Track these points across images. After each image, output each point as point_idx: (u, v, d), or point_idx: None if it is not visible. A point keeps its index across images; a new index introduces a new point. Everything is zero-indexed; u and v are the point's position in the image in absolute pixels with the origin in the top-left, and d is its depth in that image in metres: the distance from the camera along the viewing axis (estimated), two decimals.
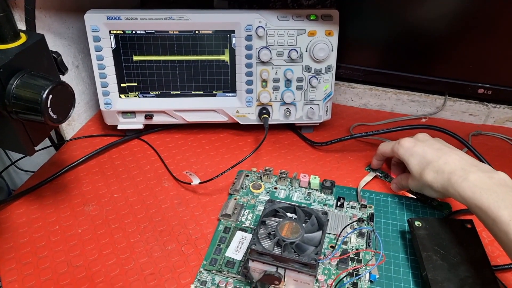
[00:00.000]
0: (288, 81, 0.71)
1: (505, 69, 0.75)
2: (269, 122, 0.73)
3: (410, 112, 0.84)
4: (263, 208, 0.53)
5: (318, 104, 0.73)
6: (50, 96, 0.46)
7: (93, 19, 0.66)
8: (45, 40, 0.51)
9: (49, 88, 0.45)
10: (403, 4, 0.74)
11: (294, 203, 0.54)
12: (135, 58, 0.69)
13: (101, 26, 0.66)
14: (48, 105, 0.46)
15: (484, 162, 0.65)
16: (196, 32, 0.68)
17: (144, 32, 0.68)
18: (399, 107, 0.84)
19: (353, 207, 0.61)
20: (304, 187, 0.65)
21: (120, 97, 0.72)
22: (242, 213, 0.61)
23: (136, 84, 0.71)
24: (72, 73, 0.77)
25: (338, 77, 0.83)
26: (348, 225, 0.57)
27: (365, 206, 0.61)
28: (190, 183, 0.65)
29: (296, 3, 0.80)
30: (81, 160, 0.70)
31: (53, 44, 0.72)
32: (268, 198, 0.59)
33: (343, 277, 0.51)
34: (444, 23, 0.74)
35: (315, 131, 0.79)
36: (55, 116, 0.47)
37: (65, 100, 0.49)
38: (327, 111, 0.74)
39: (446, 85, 0.79)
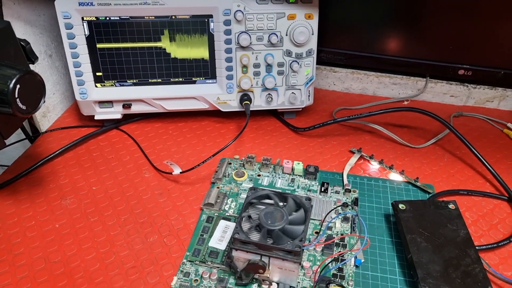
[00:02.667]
0: (269, 66, 0.69)
1: (485, 50, 0.75)
2: (251, 109, 0.71)
3: (392, 95, 0.84)
4: (245, 196, 0.52)
5: (300, 89, 0.72)
6: (18, 86, 0.44)
7: (64, 5, 0.63)
8: (11, 27, 0.48)
9: (16, 78, 0.43)
10: None
11: (277, 190, 0.53)
12: (110, 45, 0.67)
13: (73, 12, 0.64)
14: (16, 96, 0.44)
15: (466, 144, 0.65)
16: (173, 17, 0.66)
17: (118, 18, 0.65)
18: (381, 90, 0.84)
19: (337, 192, 0.61)
20: (287, 173, 0.64)
21: (96, 86, 0.70)
22: (225, 201, 0.59)
23: (112, 72, 0.69)
24: (45, 62, 0.74)
25: (320, 62, 0.82)
26: (332, 210, 0.57)
27: (349, 191, 0.61)
28: (171, 173, 0.63)
29: None
30: (57, 152, 0.68)
31: (24, 32, 0.69)
32: (251, 186, 0.58)
33: (329, 263, 0.50)
34: (424, 4, 0.73)
35: (297, 116, 0.78)
36: (24, 107, 0.45)
37: (34, 89, 0.47)
38: (309, 96, 0.73)
39: (427, 67, 0.79)
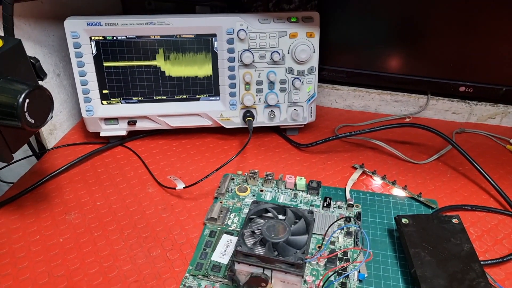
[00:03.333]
0: (271, 83, 0.70)
1: (485, 67, 0.76)
2: (254, 125, 0.72)
3: (394, 112, 0.85)
4: (248, 210, 0.53)
5: (302, 106, 0.73)
6: (27, 101, 0.45)
7: (73, 25, 0.65)
8: (22, 45, 0.50)
9: (26, 92, 0.44)
10: (383, 4, 0.75)
11: (279, 204, 0.53)
12: (117, 63, 0.69)
13: (81, 32, 0.66)
14: (25, 110, 0.45)
15: (469, 160, 0.65)
16: (178, 36, 0.68)
17: (125, 37, 0.67)
18: (383, 107, 0.85)
19: (340, 207, 0.61)
20: (290, 189, 0.64)
21: (102, 103, 0.71)
22: (228, 216, 0.60)
23: (118, 90, 0.71)
24: (53, 81, 0.76)
25: (322, 79, 0.84)
26: (334, 222, 0.57)
27: (352, 206, 0.61)
28: (174, 188, 0.64)
29: (278, 8, 0.81)
30: (63, 168, 0.69)
31: (33, 52, 0.71)
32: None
33: (331, 275, 0.50)
34: (424, 22, 0.75)
35: (300, 133, 0.79)
36: (32, 121, 0.46)
37: (43, 104, 0.48)
38: (311, 112, 0.74)
39: (428, 84, 0.80)
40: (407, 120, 0.83)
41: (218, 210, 0.59)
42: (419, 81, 0.80)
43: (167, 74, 0.70)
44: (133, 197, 0.64)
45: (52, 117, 0.50)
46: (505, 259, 0.54)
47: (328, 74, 0.83)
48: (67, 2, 0.78)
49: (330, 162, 0.72)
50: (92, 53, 0.68)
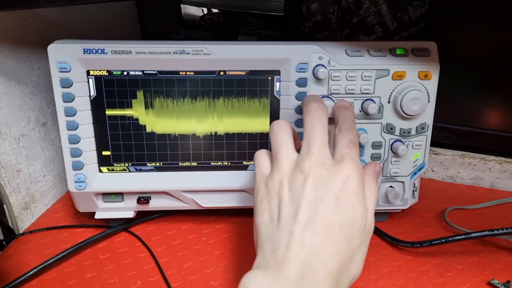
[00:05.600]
0: (360, 147, 0.46)
1: None
2: None
3: None
4: None
5: (403, 182, 0.48)
6: None
7: (61, 51, 0.43)
8: None
9: None
10: None
11: None
12: (125, 112, 0.45)
13: (74, 63, 0.43)
14: None
15: None
16: (221, 73, 0.44)
17: (141, 73, 0.44)
18: (504, 181, 0.59)
19: None
20: None
21: (100, 171, 0.47)
22: None
23: (125, 151, 0.47)
24: (35, 133, 0.53)
25: None
26: None
27: None
28: None
29: (368, 35, 0.58)
30: (33, 271, 0.44)
31: (5, 92, 0.48)
32: None
33: None
34: None
35: (389, 218, 0.53)
36: None
37: None
38: (414, 191, 0.49)
39: None
40: None
41: None
42: None
43: (198, 132, 0.46)
44: None
45: None
46: None
47: None
48: (63, 23, 0.56)
49: (451, 273, 0.45)
50: (90, 96, 0.44)
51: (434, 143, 0.60)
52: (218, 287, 0.44)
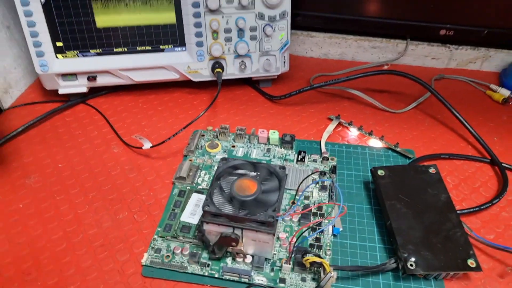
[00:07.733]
0: (240, 31, 0.65)
1: (467, 8, 0.72)
2: (224, 77, 0.68)
3: (372, 59, 0.81)
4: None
5: (274, 55, 0.68)
6: None
7: None
8: None
9: None
10: None
11: (249, 160, 0.50)
12: (70, 11, 0.62)
13: None
14: None
15: (448, 107, 0.63)
16: None
17: None
18: (361, 55, 0.81)
19: (314, 161, 0.59)
20: (263, 143, 0.61)
21: (57, 57, 0.65)
22: (198, 174, 0.57)
23: (73, 42, 0.65)
24: (2, 34, 0.69)
25: (296, 26, 0.79)
26: (307, 177, 0.55)
27: (327, 159, 0.58)
28: (141, 147, 0.60)
29: None
30: (20, 129, 0.64)
31: None
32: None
33: (304, 231, 0.48)
34: None
35: (273, 84, 0.75)
36: None
37: None
38: (284, 62, 0.70)
39: (408, 27, 0.76)
40: (385, 67, 0.80)
41: (187, 169, 0.56)
42: (398, 25, 0.76)
43: (125, 22, 0.64)
44: (97, 158, 0.61)
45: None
46: (481, 207, 0.53)
47: (303, 20, 0.78)
48: None
49: (305, 114, 0.68)
50: (41, 1, 0.61)
51: (310, 28, 0.80)
52: (153, 132, 0.65)
